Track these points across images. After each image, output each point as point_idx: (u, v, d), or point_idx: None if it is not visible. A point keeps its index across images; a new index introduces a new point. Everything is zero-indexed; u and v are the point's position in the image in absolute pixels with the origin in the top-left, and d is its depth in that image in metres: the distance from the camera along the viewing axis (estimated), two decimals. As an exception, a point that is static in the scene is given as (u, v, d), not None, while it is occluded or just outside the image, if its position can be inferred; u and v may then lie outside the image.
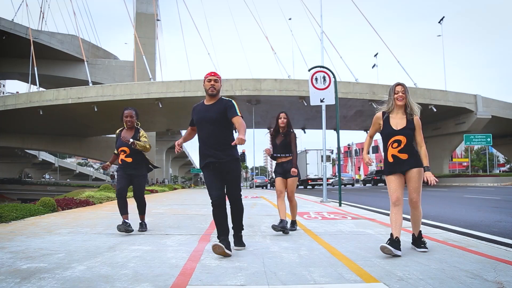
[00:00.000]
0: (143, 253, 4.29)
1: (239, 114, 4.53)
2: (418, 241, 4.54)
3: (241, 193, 4.70)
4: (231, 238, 4.49)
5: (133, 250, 4.43)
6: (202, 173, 4.69)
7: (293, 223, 6.24)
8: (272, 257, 4.06)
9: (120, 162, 6.05)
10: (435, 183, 4.60)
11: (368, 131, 4.97)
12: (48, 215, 8.21)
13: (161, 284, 3.07)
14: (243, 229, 4.75)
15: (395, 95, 4.49)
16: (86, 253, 4.23)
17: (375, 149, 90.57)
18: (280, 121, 6.17)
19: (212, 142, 4.48)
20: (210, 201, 4.45)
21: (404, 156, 4.41)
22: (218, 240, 4.29)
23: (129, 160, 6.02)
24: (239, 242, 4.64)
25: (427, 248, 4.42)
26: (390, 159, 4.45)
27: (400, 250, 4.13)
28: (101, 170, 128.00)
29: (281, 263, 3.78)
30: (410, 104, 4.49)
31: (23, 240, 5.09)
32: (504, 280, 3.12)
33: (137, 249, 4.50)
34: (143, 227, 6.14)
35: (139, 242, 5.01)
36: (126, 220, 5.88)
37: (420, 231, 4.59)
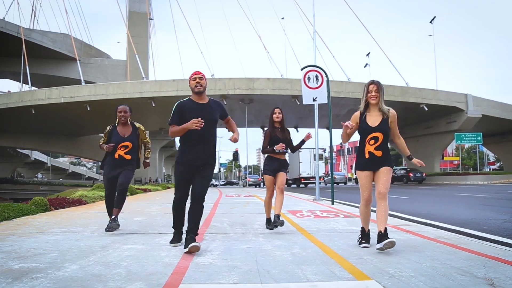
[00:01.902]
0: (136, 252, 4.29)
1: (228, 114, 4.94)
2: (384, 238, 4.20)
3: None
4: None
5: (126, 249, 4.43)
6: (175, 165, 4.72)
7: (278, 217, 6.06)
8: (265, 256, 4.08)
9: (116, 157, 5.93)
10: (424, 165, 4.86)
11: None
12: (40, 214, 8.17)
13: (154, 283, 3.08)
14: (197, 230, 4.53)
15: (369, 94, 4.56)
16: (79, 253, 4.22)
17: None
18: (275, 116, 6.12)
19: (204, 142, 4.55)
20: (174, 196, 4.68)
21: (379, 153, 4.50)
22: (176, 232, 4.77)
23: (128, 157, 5.97)
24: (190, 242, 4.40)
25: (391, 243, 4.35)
26: (367, 155, 4.53)
27: None
28: (94, 169, 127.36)
29: (274, 261, 3.80)
30: (380, 105, 4.55)
31: (15, 240, 5.06)
32: (494, 277, 3.16)
33: (130, 248, 4.49)
34: (114, 222, 5.70)
35: (132, 241, 5.01)
36: (113, 216, 5.80)
37: (386, 228, 4.30)
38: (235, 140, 4.83)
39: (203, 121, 4.36)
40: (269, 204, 6.25)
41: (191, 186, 4.65)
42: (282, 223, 5.93)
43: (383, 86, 4.62)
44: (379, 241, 4.22)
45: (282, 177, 6.12)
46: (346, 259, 3.86)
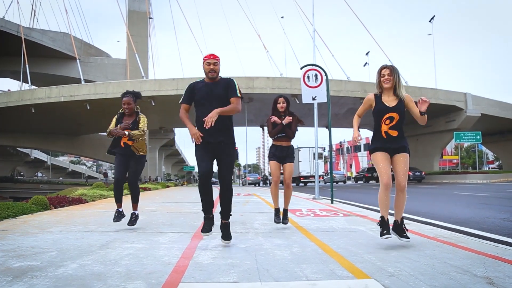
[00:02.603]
0: (135, 250, 4.30)
1: (239, 95, 4.60)
2: (400, 227, 4.51)
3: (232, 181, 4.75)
4: (216, 226, 4.69)
5: (125, 248, 4.44)
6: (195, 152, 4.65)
7: (286, 213, 6.16)
8: (264, 254, 4.08)
9: (122, 145, 6.02)
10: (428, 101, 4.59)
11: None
12: (40, 213, 8.18)
13: (154, 281, 3.08)
14: (231, 215, 4.75)
15: (382, 78, 4.52)
16: (78, 251, 4.23)
17: (367, 147, 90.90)
18: (279, 106, 6.06)
19: (217, 121, 4.42)
20: (199, 173, 4.56)
21: (394, 133, 4.46)
22: (210, 216, 4.64)
23: (131, 143, 6.03)
24: (226, 234, 4.61)
25: (409, 238, 4.45)
26: (383, 135, 4.46)
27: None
28: (94, 168, 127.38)
29: (274, 260, 3.80)
30: (398, 88, 4.51)
31: (15, 238, 5.07)
32: (493, 276, 3.16)
33: (129, 247, 4.50)
34: (132, 220, 6.01)
35: (132, 239, 5.01)
36: (120, 209, 6.04)
37: (403, 217, 4.58)
38: (210, 115, 4.35)
39: (201, 139, 4.41)
40: (275, 192, 6.22)
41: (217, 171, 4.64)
42: (286, 223, 5.96)
43: (398, 70, 4.57)
44: (397, 232, 4.50)
45: (288, 169, 6.06)
46: (346, 258, 3.87)
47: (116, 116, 6.26)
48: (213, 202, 4.71)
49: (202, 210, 4.68)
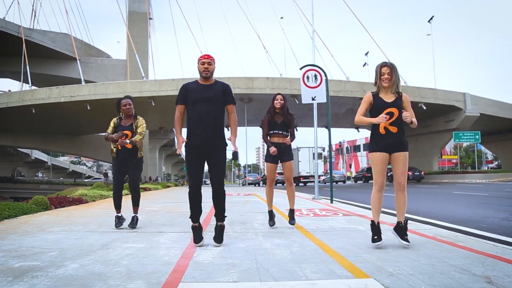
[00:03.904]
0: (136, 250, 4.31)
1: (235, 102, 4.74)
2: (404, 230, 4.46)
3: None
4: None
5: (126, 248, 4.45)
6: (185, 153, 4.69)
7: (292, 213, 6.16)
8: (264, 254, 4.09)
9: (119, 147, 6.09)
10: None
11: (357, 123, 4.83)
12: (41, 213, 8.19)
13: (154, 281, 3.09)
14: (225, 217, 4.77)
15: (381, 77, 4.44)
16: (79, 251, 4.24)
17: (367, 147, 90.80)
18: (276, 102, 6.03)
19: (209, 122, 4.50)
20: (189, 186, 4.65)
21: (394, 129, 4.41)
22: (196, 224, 4.62)
23: (129, 146, 6.09)
24: (220, 236, 4.62)
25: (409, 242, 4.42)
26: (382, 131, 4.42)
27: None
28: (94, 169, 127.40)
29: (273, 260, 3.81)
30: (396, 85, 4.46)
31: (15, 238, 5.08)
32: (492, 275, 3.17)
33: (130, 247, 4.51)
34: (133, 222, 6.09)
35: (132, 239, 5.02)
36: (119, 215, 6.12)
37: (406, 219, 4.55)
38: (232, 141, 4.73)
39: (182, 149, 4.57)
40: (270, 193, 6.22)
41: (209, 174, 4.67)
42: (293, 223, 5.98)
43: (397, 68, 4.50)
44: (399, 233, 4.45)
45: (287, 168, 6.06)
46: (345, 258, 3.87)
47: (114, 120, 6.30)
48: (201, 209, 4.74)
49: (190, 217, 4.70)
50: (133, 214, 6.23)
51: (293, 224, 6.08)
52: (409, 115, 4.35)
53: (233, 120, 4.81)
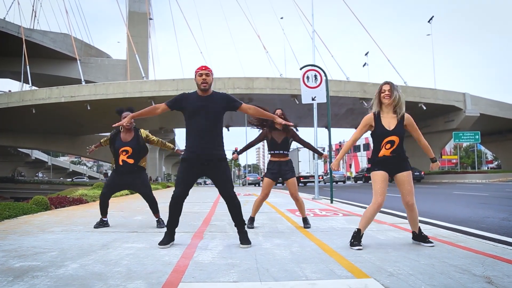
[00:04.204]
0: (136, 250, 4.31)
1: (242, 102, 4.68)
2: (420, 236, 4.56)
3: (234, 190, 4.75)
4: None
5: (126, 248, 4.45)
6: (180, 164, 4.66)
7: (305, 220, 6.18)
8: (264, 254, 4.10)
9: (120, 163, 6.04)
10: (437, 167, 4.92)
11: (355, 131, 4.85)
12: (41, 213, 8.19)
13: (154, 281, 3.09)
14: (245, 223, 4.75)
15: (382, 94, 4.46)
16: (79, 251, 4.24)
17: (367, 147, 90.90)
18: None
19: (207, 135, 4.46)
20: (173, 193, 4.59)
21: (394, 157, 4.45)
22: (168, 232, 4.59)
23: (131, 161, 6.04)
24: (245, 239, 4.60)
25: (432, 242, 4.47)
26: (383, 159, 4.46)
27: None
28: (95, 169, 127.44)
29: (273, 260, 3.81)
30: (399, 103, 4.45)
31: (16, 238, 5.08)
32: (492, 275, 3.18)
33: (130, 247, 4.51)
34: (161, 224, 6.18)
35: (133, 239, 5.03)
36: (104, 219, 6.18)
37: (420, 227, 4.63)
38: (279, 120, 4.91)
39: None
40: (258, 205, 6.23)
41: (217, 190, 4.66)
42: (308, 227, 6.02)
43: (398, 87, 4.54)
44: (420, 240, 4.56)
45: (291, 184, 6.03)
46: (345, 258, 3.88)
47: (111, 134, 6.22)
48: (178, 222, 4.70)
49: (166, 225, 4.69)
50: (157, 219, 6.31)
51: (309, 228, 6.03)
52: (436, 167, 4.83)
53: (255, 110, 4.82)
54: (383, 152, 4.44)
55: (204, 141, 4.46)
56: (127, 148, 6.01)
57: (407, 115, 4.52)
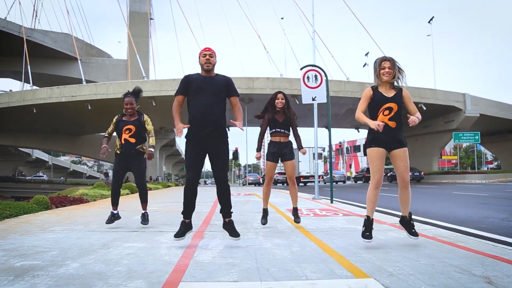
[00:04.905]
0: (136, 250, 4.32)
1: (238, 94, 4.79)
2: (409, 223, 4.51)
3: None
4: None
5: (126, 247, 4.46)
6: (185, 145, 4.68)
7: (296, 211, 6.15)
8: (264, 254, 4.10)
9: (123, 141, 6.11)
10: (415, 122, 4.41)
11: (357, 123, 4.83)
12: (41, 213, 8.20)
13: (155, 280, 3.10)
14: (232, 212, 4.77)
15: (381, 71, 4.37)
16: (80, 251, 4.25)
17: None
18: (277, 101, 5.97)
19: (210, 113, 4.51)
20: (186, 178, 4.65)
21: (393, 124, 4.35)
22: (187, 221, 4.61)
23: (133, 140, 6.11)
24: (233, 231, 4.63)
25: (417, 236, 4.47)
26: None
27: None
28: (95, 168, 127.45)
29: (274, 260, 3.82)
30: (397, 79, 4.41)
31: (16, 238, 5.09)
32: (492, 275, 3.18)
33: (130, 246, 4.52)
34: (145, 219, 6.19)
35: (133, 239, 5.03)
36: (115, 212, 6.16)
37: (410, 213, 4.58)
38: (238, 124, 4.66)
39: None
40: (266, 192, 6.23)
41: (212, 170, 4.69)
42: (298, 222, 6.02)
43: (397, 62, 4.43)
44: (406, 228, 4.55)
45: (289, 167, 5.98)
46: (345, 257, 3.88)
47: (116, 118, 6.31)
48: (195, 206, 4.72)
49: (182, 213, 4.67)
50: (143, 211, 6.28)
51: (298, 223, 6.07)
52: (416, 120, 4.34)
53: (238, 110, 4.80)
54: (382, 118, 4.34)
55: (207, 115, 4.50)
56: (130, 126, 6.10)
57: (405, 90, 4.48)
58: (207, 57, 4.60)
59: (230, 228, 4.66)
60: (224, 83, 4.66)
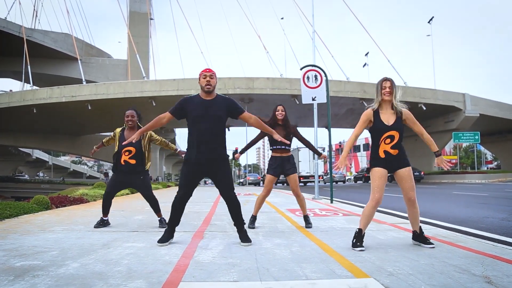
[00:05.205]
0: (136, 250, 4.32)
1: (244, 110, 4.76)
2: (421, 236, 4.54)
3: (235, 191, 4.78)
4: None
5: (126, 247, 4.46)
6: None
7: (307, 219, 6.17)
8: (264, 254, 4.11)
9: (122, 163, 6.03)
10: (449, 168, 4.69)
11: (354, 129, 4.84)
12: (42, 213, 8.20)
13: (155, 280, 3.10)
14: (244, 223, 4.81)
15: (383, 90, 4.45)
16: (80, 251, 4.25)
17: (367, 147, 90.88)
18: (277, 113, 6.03)
19: (211, 139, 4.50)
20: (177, 194, 4.64)
21: (395, 152, 4.41)
22: (168, 230, 4.67)
23: (133, 162, 6.02)
24: (245, 238, 4.67)
25: (433, 244, 4.45)
26: (382, 155, 4.43)
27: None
28: (95, 168, 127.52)
29: (274, 259, 3.82)
30: (394, 103, 4.47)
31: (16, 238, 5.09)
32: (491, 275, 3.19)
33: (131, 246, 4.52)
34: (163, 223, 6.13)
35: (133, 239, 5.03)
36: (105, 218, 6.17)
37: (421, 226, 4.62)
38: (278, 139, 4.86)
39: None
40: (260, 202, 6.25)
41: (218, 190, 4.70)
42: (310, 226, 6.00)
43: (397, 85, 4.54)
44: (420, 241, 4.52)
45: (292, 181, 6.03)
46: (345, 257, 3.89)
47: (118, 132, 6.24)
48: (180, 221, 4.75)
49: (167, 223, 4.75)
50: (159, 218, 6.29)
51: (310, 228, 6.04)
52: (444, 162, 4.60)
53: (255, 121, 4.84)
54: (383, 147, 4.43)
55: (207, 142, 4.50)
56: (131, 148, 5.99)
57: (405, 110, 4.53)
58: (208, 78, 4.56)
59: (242, 235, 4.70)
60: (225, 107, 4.61)
